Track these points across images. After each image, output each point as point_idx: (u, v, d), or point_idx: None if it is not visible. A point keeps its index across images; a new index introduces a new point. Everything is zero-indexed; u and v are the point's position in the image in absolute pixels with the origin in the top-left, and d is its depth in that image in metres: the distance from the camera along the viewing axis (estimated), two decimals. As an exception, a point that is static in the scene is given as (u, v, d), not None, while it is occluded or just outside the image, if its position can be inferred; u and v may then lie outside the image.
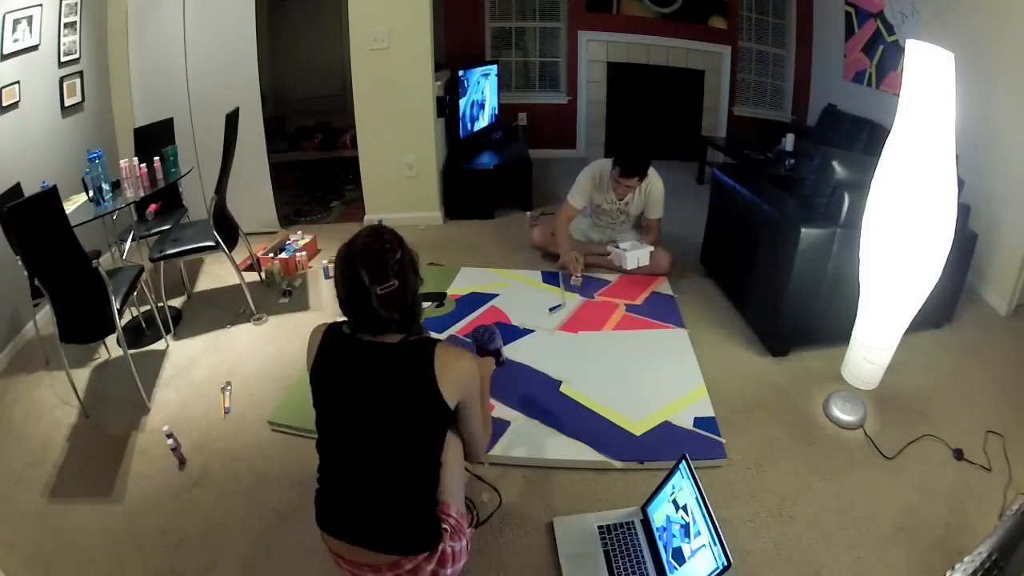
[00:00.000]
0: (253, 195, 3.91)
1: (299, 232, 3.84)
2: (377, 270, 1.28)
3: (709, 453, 2.07)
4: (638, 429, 2.19)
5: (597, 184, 3.29)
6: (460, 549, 1.43)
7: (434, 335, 1.57)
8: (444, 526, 1.40)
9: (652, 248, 3.30)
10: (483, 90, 4.83)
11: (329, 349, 1.38)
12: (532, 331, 2.83)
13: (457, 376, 1.34)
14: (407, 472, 1.34)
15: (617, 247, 3.32)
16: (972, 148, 2.71)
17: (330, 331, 1.40)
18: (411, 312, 1.37)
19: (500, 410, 2.29)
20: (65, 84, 3.11)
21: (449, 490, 1.45)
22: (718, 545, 1.41)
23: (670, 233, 3.52)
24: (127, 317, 2.91)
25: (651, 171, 3.22)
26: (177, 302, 3.21)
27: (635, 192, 3.25)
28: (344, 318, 1.37)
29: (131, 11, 3.55)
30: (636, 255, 3.26)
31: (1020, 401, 2.35)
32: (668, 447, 2.08)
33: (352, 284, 1.29)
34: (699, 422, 2.22)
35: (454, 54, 5.38)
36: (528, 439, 2.14)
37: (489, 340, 1.92)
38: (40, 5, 2.87)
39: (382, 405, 1.32)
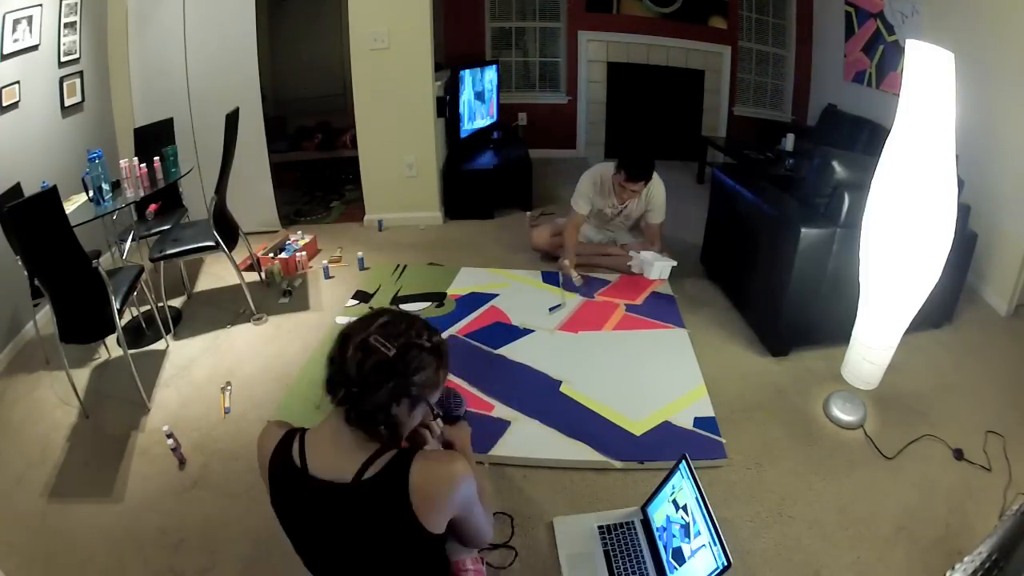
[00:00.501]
0: (253, 195, 3.91)
1: (299, 232, 3.84)
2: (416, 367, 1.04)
3: (709, 453, 2.07)
4: (638, 429, 2.19)
5: (598, 189, 3.28)
6: None
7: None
8: None
9: (675, 263, 3.27)
10: (483, 90, 4.83)
11: (280, 486, 1.10)
12: (532, 331, 2.83)
13: (442, 506, 1.05)
14: None
15: (641, 253, 3.30)
16: (972, 148, 2.71)
17: (276, 457, 1.09)
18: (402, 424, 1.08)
19: (500, 410, 2.29)
20: (65, 84, 3.11)
21: (456, 549, 1.28)
22: (718, 545, 1.41)
23: (670, 233, 3.52)
24: (127, 317, 2.91)
25: (653, 174, 3.23)
26: (177, 302, 3.20)
27: (637, 196, 3.25)
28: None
29: (131, 11, 3.54)
30: (660, 268, 3.24)
31: (1020, 401, 2.35)
32: (668, 447, 2.08)
33: (387, 375, 1.01)
34: (699, 422, 2.22)
35: (454, 54, 5.38)
36: (528, 439, 2.14)
37: (455, 407, 1.67)
38: (40, 5, 2.87)
39: (357, 552, 1.08)
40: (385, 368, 1.00)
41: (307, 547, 1.15)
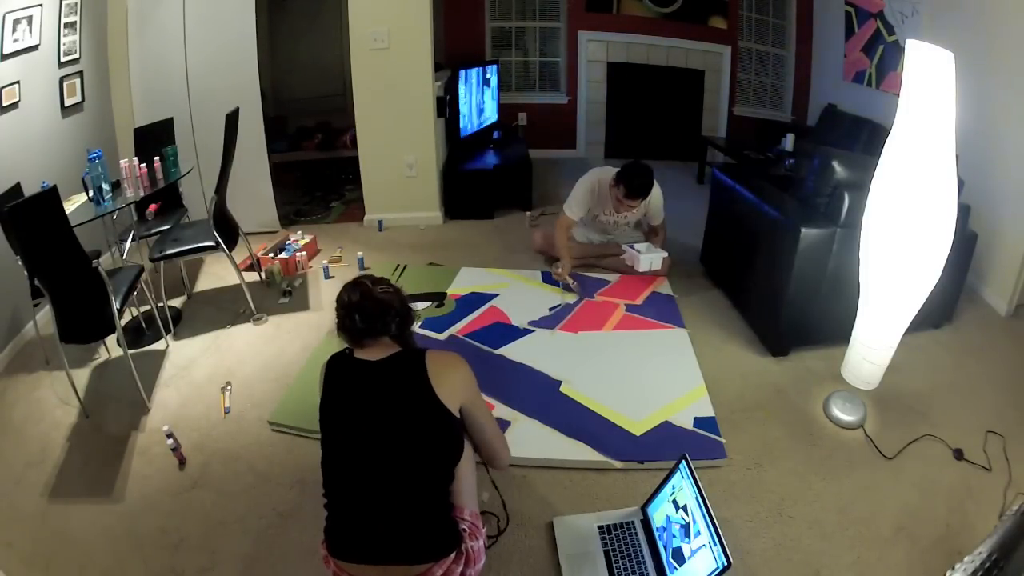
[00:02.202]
0: (253, 195, 3.91)
1: (299, 232, 3.84)
2: (375, 280, 1.52)
3: (709, 453, 2.07)
4: (638, 429, 2.19)
5: (595, 197, 3.24)
6: (479, 548, 1.46)
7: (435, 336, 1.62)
8: (462, 527, 1.43)
9: (666, 254, 3.27)
10: (483, 90, 4.83)
11: (332, 377, 1.47)
12: (532, 331, 2.83)
13: (453, 381, 1.41)
14: (421, 481, 1.37)
15: (631, 247, 3.30)
16: (972, 148, 2.71)
17: (332, 360, 1.49)
18: (407, 310, 1.50)
19: (500, 410, 2.29)
20: (65, 84, 3.11)
21: (461, 493, 1.48)
22: (718, 545, 1.41)
23: (670, 233, 3.52)
24: (127, 317, 2.91)
25: None
26: (177, 302, 3.21)
27: (634, 210, 3.21)
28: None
29: (131, 11, 3.55)
30: (649, 259, 3.24)
31: (1020, 401, 2.35)
32: (668, 447, 2.08)
33: (383, 310, 1.45)
34: (699, 422, 2.22)
35: (454, 54, 5.38)
36: (528, 439, 2.14)
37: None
38: (40, 5, 2.87)
39: (385, 420, 1.37)
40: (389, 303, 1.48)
41: (342, 433, 1.41)
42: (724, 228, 3.23)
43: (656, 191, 3.20)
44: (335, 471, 1.40)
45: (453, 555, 1.37)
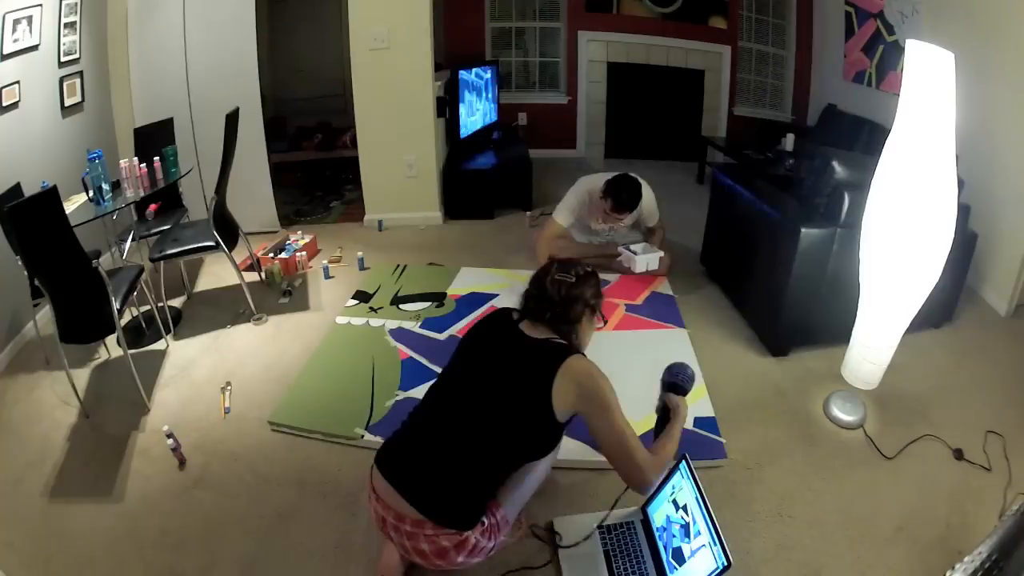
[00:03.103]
0: (253, 195, 3.91)
1: (299, 232, 3.84)
2: (566, 266, 1.57)
3: (709, 453, 2.07)
4: (638, 429, 2.18)
5: (585, 208, 3.21)
6: (484, 547, 1.46)
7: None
8: (484, 519, 1.44)
9: (662, 254, 3.27)
10: (483, 90, 4.83)
11: (486, 322, 1.60)
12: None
13: (570, 388, 1.42)
14: (478, 458, 1.42)
15: (627, 249, 3.29)
16: (972, 148, 2.71)
17: (500, 311, 1.61)
18: (568, 306, 1.52)
19: (500, 410, 2.29)
20: (65, 84, 3.11)
21: (507, 490, 1.52)
22: (718, 545, 1.40)
23: (670, 233, 3.52)
24: (127, 317, 2.91)
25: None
26: (177, 302, 3.21)
27: (620, 222, 3.18)
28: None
29: (131, 11, 3.55)
30: (646, 259, 3.23)
31: (1020, 401, 2.35)
32: (668, 447, 2.07)
33: (568, 298, 1.52)
34: (699, 422, 2.22)
35: (454, 54, 5.38)
36: (528, 439, 2.14)
37: (685, 380, 1.74)
38: (40, 5, 2.87)
39: (493, 387, 1.45)
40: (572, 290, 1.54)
41: (455, 370, 1.54)
42: (724, 228, 3.23)
43: (648, 196, 3.16)
44: (426, 401, 1.54)
45: (454, 532, 1.39)
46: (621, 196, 3.01)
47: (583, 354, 1.52)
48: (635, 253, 3.24)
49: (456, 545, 1.41)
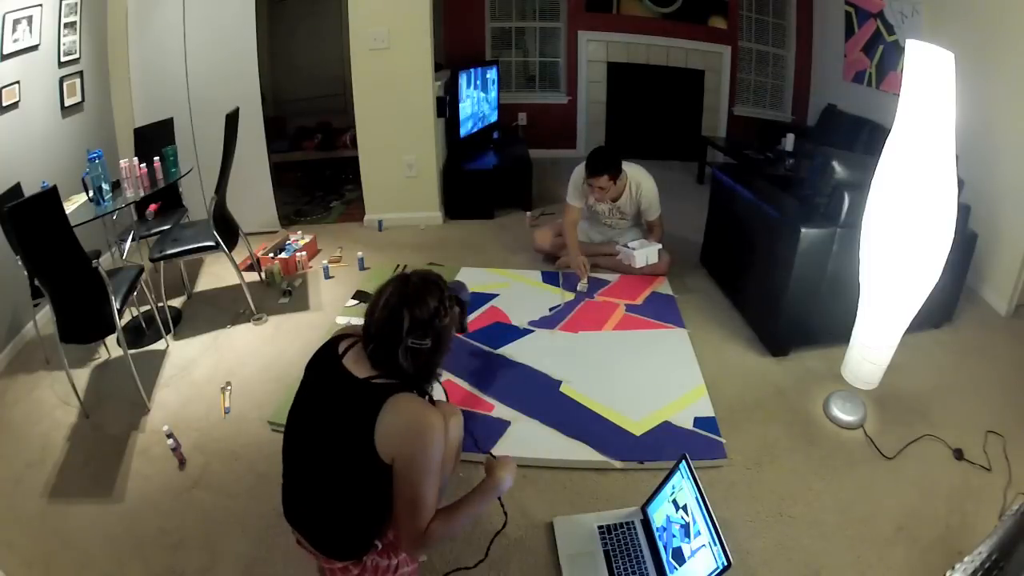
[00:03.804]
0: (253, 195, 3.91)
1: (299, 232, 3.84)
2: (420, 324, 1.24)
3: (709, 453, 2.07)
4: (638, 429, 2.19)
5: (582, 188, 3.25)
6: (389, 565, 1.39)
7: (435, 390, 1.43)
8: (376, 542, 1.38)
9: (660, 246, 3.29)
10: (483, 90, 4.83)
11: (315, 363, 1.38)
12: (532, 331, 2.83)
13: (397, 432, 1.21)
14: (338, 495, 1.32)
15: (626, 246, 3.30)
16: (972, 148, 2.71)
17: (329, 344, 1.37)
18: (429, 371, 1.32)
19: (500, 410, 2.29)
20: (65, 84, 3.11)
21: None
22: (718, 545, 1.41)
23: (670, 233, 3.52)
24: (127, 317, 2.91)
25: (639, 171, 3.20)
26: (177, 302, 3.21)
27: (625, 193, 3.22)
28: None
29: (131, 11, 3.54)
30: (645, 253, 3.24)
31: (1020, 401, 2.35)
32: (668, 447, 2.08)
33: (389, 324, 1.24)
34: (699, 422, 2.22)
35: (454, 54, 5.38)
36: (528, 439, 2.14)
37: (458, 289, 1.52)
38: (40, 5, 2.87)
39: (327, 433, 1.30)
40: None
41: (297, 416, 1.38)
42: (724, 228, 3.23)
43: (649, 184, 3.21)
44: (286, 441, 1.44)
45: (352, 562, 1.37)
46: (590, 160, 3.07)
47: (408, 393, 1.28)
48: (634, 249, 3.25)
49: (361, 572, 1.38)
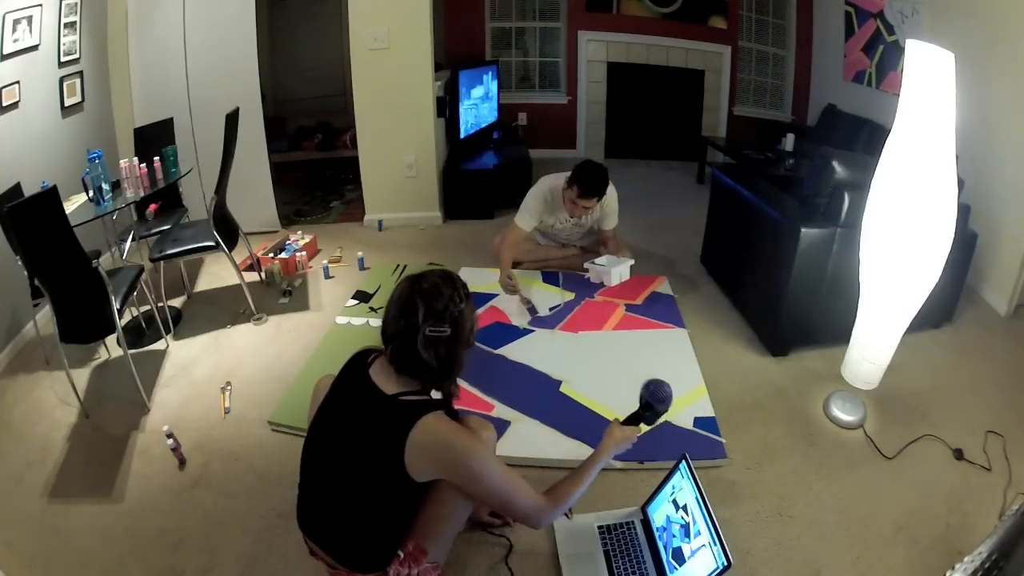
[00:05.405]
0: (253, 195, 3.91)
1: (299, 232, 3.84)
2: (435, 311, 1.25)
3: (709, 453, 2.07)
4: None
5: (548, 205, 3.12)
6: (410, 574, 1.39)
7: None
8: (399, 552, 1.38)
9: (632, 261, 3.21)
10: (483, 90, 4.83)
11: (344, 375, 1.40)
12: (532, 331, 2.83)
13: (430, 454, 1.24)
14: (363, 510, 1.34)
15: (595, 263, 3.19)
16: (972, 148, 2.71)
17: (356, 358, 1.40)
18: (452, 363, 1.31)
19: (500, 410, 2.29)
20: (65, 84, 3.11)
21: (421, 533, 1.41)
22: (718, 545, 1.41)
23: (670, 233, 3.52)
24: (127, 317, 2.91)
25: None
26: (177, 302, 3.21)
27: (590, 211, 3.08)
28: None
29: (131, 11, 3.55)
30: (619, 271, 3.17)
31: (1020, 401, 2.35)
32: (668, 447, 2.07)
33: (405, 316, 1.25)
34: (699, 422, 2.22)
35: (454, 54, 5.38)
36: (528, 439, 2.14)
37: (659, 401, 1.51)
38: (40, 5, 2.87)
39: (353, 448, 1.32)
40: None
41: (321, 429, 1.38)
42: (724, 228, 3.23)
43: (611, 193, 3.08)
44: (306, 451, 1.44)
45: (374, 574, 1.38)
46: (588, 181, 2.87)
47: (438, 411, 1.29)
48: (606, 267, 3.15)
49: None
